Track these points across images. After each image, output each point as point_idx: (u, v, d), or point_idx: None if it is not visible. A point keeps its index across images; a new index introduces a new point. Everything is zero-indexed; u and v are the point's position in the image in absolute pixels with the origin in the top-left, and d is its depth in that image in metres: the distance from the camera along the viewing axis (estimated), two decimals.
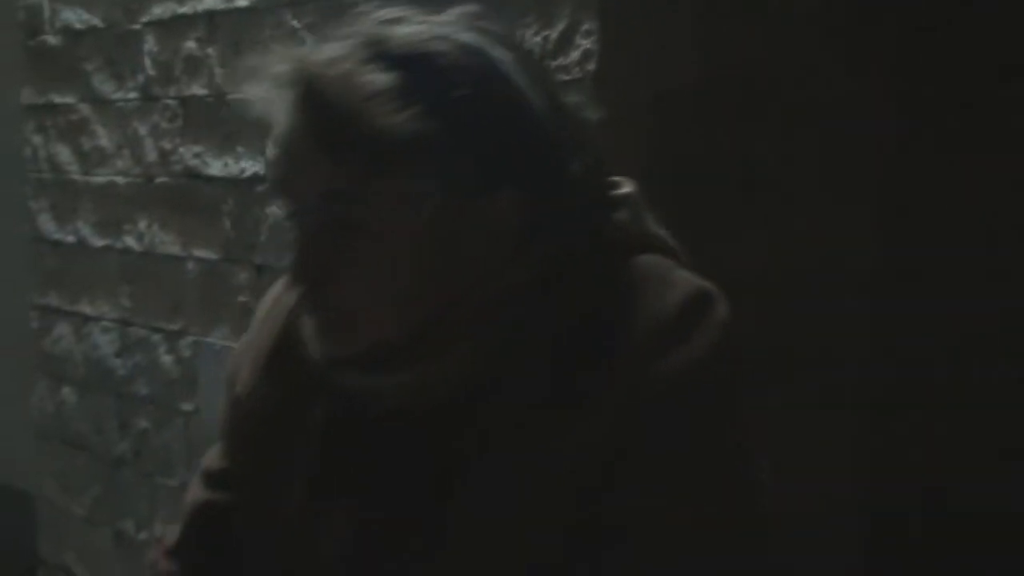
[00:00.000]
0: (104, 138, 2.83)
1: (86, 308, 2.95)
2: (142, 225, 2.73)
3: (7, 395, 3.72)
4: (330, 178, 1.01)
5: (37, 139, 3.12)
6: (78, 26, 2.90)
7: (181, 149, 2.60)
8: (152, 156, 2.69)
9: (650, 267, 1.07)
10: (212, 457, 1.33)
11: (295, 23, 2.28)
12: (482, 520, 1.03)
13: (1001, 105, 2.35)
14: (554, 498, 1.02)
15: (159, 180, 2.67)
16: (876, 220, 2.42)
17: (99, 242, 2.87)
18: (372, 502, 1.08)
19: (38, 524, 3.21)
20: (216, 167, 2.50)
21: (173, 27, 2.59)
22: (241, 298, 2.45)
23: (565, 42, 1.77)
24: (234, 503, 1.23)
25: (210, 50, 2.50)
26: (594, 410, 1.01)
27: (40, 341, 3.16)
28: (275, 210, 2.36)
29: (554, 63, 1.77)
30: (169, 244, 2.65)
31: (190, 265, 2.59)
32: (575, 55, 1.76)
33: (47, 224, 3.10)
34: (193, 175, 2.57)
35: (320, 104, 1.02)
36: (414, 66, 1.01)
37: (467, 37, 1.04)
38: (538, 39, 1.79)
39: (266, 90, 1.08)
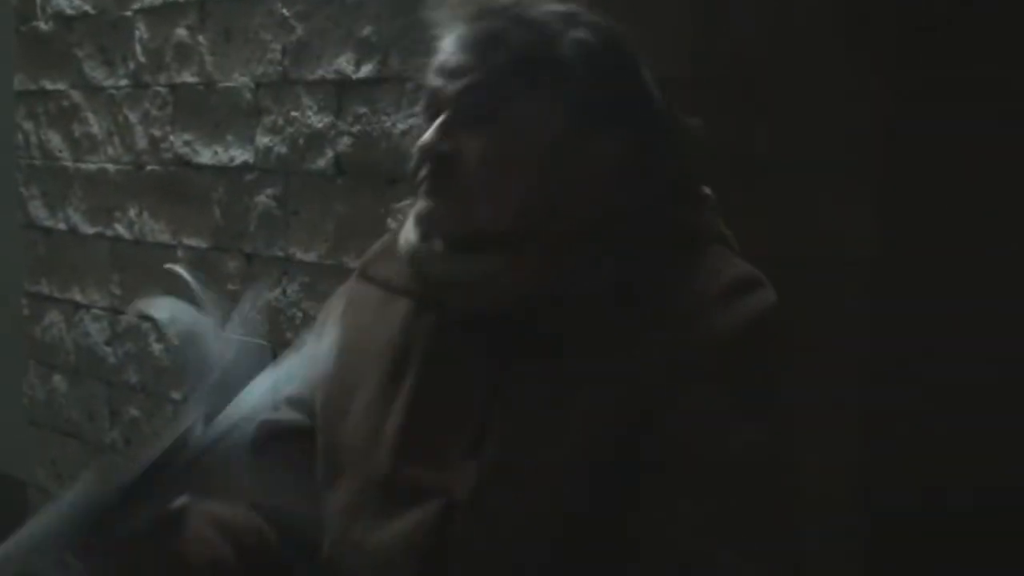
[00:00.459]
0: (95, 125, 2.83)
1: (77, 296, 2.94)
2: (132, 213, 2.73)
3: None
4: (486, 74, 1.17)
5: (28, 125, 3.11)
6: (70, 12, 2.89)
7: (171, 137, 2.59)
8: (142, 143, 2.68)
9: (716, 253, 1.22)
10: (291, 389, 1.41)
11: (285, 11, 2.27)
12: (520, 437, 1.15)
13: (1001, 96, 2.35)
14: (591, 429, 1.13)
15: (149, 168, 2.67)
16: (874, 211, 2.42)
17: (90, 229, 2.87)
18: (426, 395, 1.21)
19: (30, 511, 3.21)
20: (206, 155, 2.49)
21: (164, 14, 2.58)
22: (231, 286, 2.45)
23: None
24: (304, 424, 1.33)
25: (201, 38, 2.49)
26: (644, 353, 1.13)
27: (31, 328, 3.16)
28: (264, 199, 2.35)
29: None
30: (159, 232, 2.65)
31: (180, 253, 2.59)
32: None
33: (38, 211, 3.09)
34: (183, 163, 2.56)
35: (491, 23, 1.20)
36: (567, 20, 1.20)
37: (603, 19, 1.24)
38: None
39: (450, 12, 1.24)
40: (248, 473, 1.19)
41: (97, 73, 2.81)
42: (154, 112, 2.64)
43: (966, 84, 2.37)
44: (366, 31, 2.11)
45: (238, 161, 2.41)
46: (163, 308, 1.43)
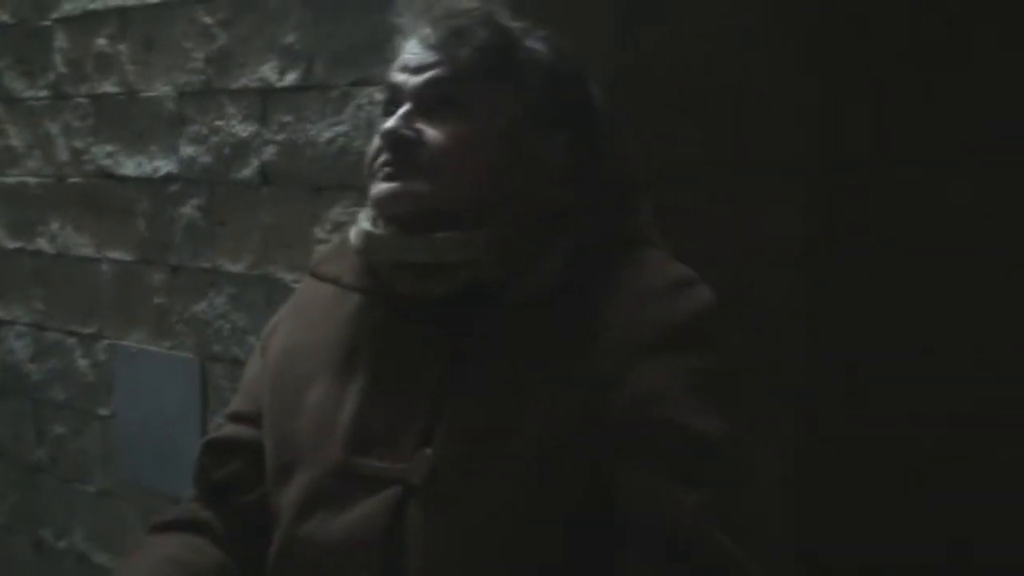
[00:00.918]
0: (15, 137, 2.77)
1: None
2: (55, 226, 2.67)
3: None
4: (449, 67, 1.26)
5: None
6: None
7: (93, 148, 2.55)
8: (64, 156, 2.63)
9: (655, 255, 1.28)
10: (231, 406, 1.48)
11: (207, 19, 2.24)
12: (473, 423, 1.19)
13: (930, 94, 2.38)
14: (542, 416, 1.17)
15: (71, 180, 2.62)
16: (800, 215, 2.44)
17: (11, 244, 2.80)
18: (378, 386, 1.26)
19: None
20: (129, 166, 2.45)
21: (84, 23, 2.54)
22: (157, 300, 2.41)
23: None
24: (252, 436, 1.38)
25: (122, 47, 2.45)
26: (593, 343, 1.19)
27: None
28: (189, 210, 2.32)
29: None
30: (82, 246, 2.60)
31: (104, 267, 2.54)
32: None
33: None
34: (106, 175, 2.51)
35: (455, 23, 1.29)
36: (525, 28, 1.32)
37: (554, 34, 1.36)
38: None
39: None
40: None
41: (16, 84, 2.75)
42: (75, 123, 2.59)
43: (898, 84, 2.40)
44: (290, 39, 2.09)
45: (162, 172, 2.37)
46: None
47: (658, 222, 1.36)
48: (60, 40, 2.61)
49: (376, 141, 1.29)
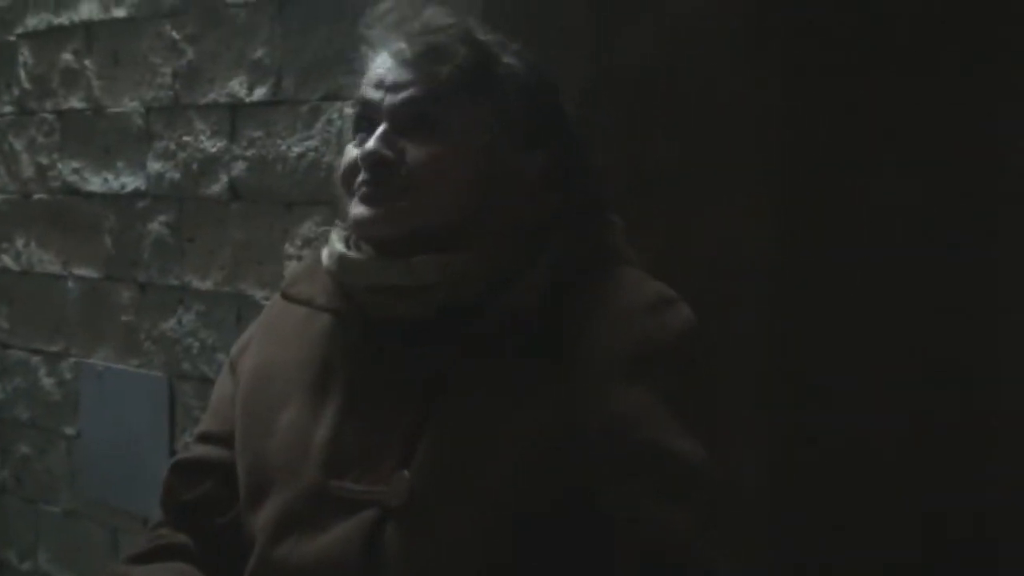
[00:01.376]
0: None
1: None
2: (20, 243, 2.64)
3: None
4: (429, 86, 1.24)
5: None
6: None
7: (59, 164, 2.52)
8: (29, 172, 2.60)
9: (631, 273, 1.28)
10: (201, 427, 1.45)
11: (174, 34, 2.22)
12: (453, 445, 1.18)
13: (898, 101, 2.39)
14: (523, 438, 1.15)
15: (37, 196, 2.59)
16: (774, 221, 2.44)
17: None
18: (354, 407, 1.24)
19: None
20: (96, 182, 2.43)
21: (49, 38, 2.51)
22: (124, 317, 2.38)
23: None
24: (222, 456, 1.35)
25: (88, 62, 2.43)
26: (575, 362, 1.17)
27: None
28: (157, 226, 2.30)
29: None
30: (48, 263, 2.57)
31: (70, 284, 2.51)
32: None
33: None
34: (72, 191, 2.49)
35: (432, 39, 1.26)
36: (501, 44, 1.30)
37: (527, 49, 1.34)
38: None
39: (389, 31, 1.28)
40: None
41: None
42: (41, 139, 2.57)
43: (867, 92, 2.41)
44: (258, 53, 2.07)
45: (129, 188, 2.35)
46: None
47: (631, 236, 1.35)
48: (25, 55, 2.58)
49: (348, 157, 1.27)
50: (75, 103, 2.47)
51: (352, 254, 1.26)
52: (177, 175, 2.24)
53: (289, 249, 2.04)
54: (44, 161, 2.56)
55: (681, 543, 1.13)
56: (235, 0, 2.10)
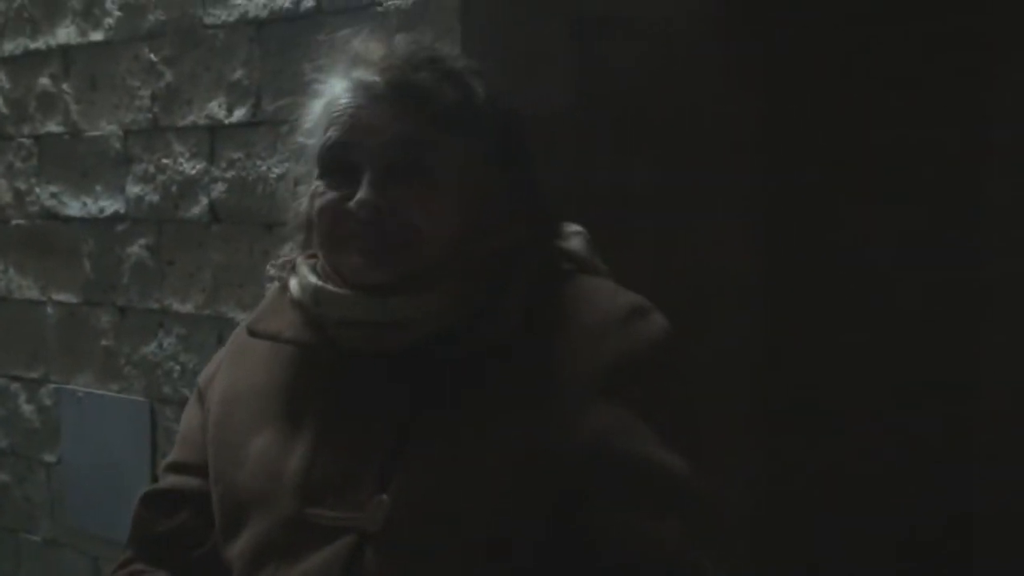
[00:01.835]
0: None
1: None
2: None
3: None
4: (415, 128, 1.20)
5: None
6: None
7: (37, 189, 2.50)
8: (7, 197, 2.58)
9: (602, 283, 1.26)
10: (171, 457, 1.43)
11: (152, 56, 2.21)
12: (430, 470, 1.16)
13: (879, 121, 2.40)
14: (501, 460, 1.14)
15: (15, 222, 2.57)
16: (756, 240, 2.44)
17: None
18: (329, 434, 1.22)
19: None
20: (74, 207, 2.41)
21: (26, 63, 2.50)
22: (104, 342, 2.36)
23: None
24: (196, 486, 1.34)
25: (65, 86, 2.42)
26: (551, 383, 1.16)
27: None
28: (137, 250, 2.28)
29: None
30: (27, 288, 2.55)
31: (49, 309, 2.49)
32: None
33: None
34: (50, 216, 2.47)
35: (407, 75, 1.23)
36: (473, 72, 1.27)
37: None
38: None
39: (350, 70, 1.25)
40: None
41: None
42: (18, 164, 2.55)
43: (848, 111, 2.42)
44: (237, 74, 2.06)
45: (108, 212, 2.33)
46: None
47: (613, 256, 1.35)
48: (1, 80, 2.57)
49: (326, 201, 1.22)
50: (53, 127, 2.45)
51: (330, 287, 1.23)
52: (156, 198, 2.23)
53: (270, 271, 2.03)
54: (22, 186, 2.54)
55: (669, 554, 1.12)
56: (213, 21, 2.10)
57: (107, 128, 2.33)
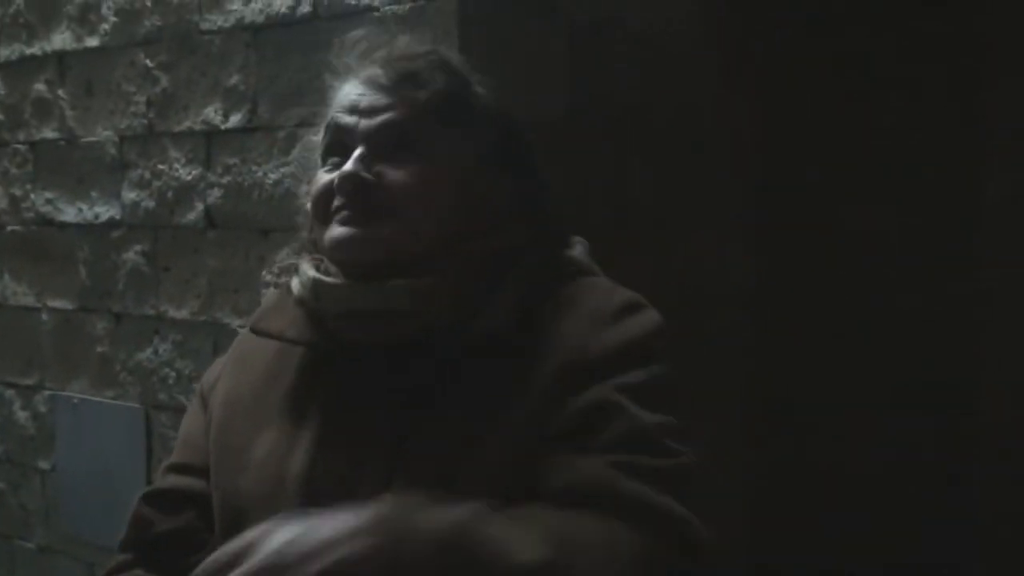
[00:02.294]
0: None
1: None
2: None
3: None
4: (406, 110, 1.24)
5: None
6: None
7: (32, 195, 2.50)
8: (2, 203, 2.57)
9: (598, 282, 1.29)
10: (171, 459, 1.43)
11: (148, 62, 2.21)
12: (430, 470, 1.16)
13: (876, 128, 2.40)
14: (500, 456, 1.15)
15: (10, 228, 2.56)
16: (752, 247, 2.44)
17: None
18: (330, 436, 1.23)
19: None
20: (70, 213, 2.40)
21: (21, 68, 2.49)
22: (99, 348, 2.35)
23: None
24: (199, 488, 1.34)
25: (61, 92, 2.41)
26: (545, 379, 1.17)
27: None
28: (132, 256, 2.27)
29: None
30: (22, 295, 2.54)
31: (44, 316, 2.48)
32: None
33: None
34: (46, 222, 2.46)
35: (407, 65, 1.26)
36: (471, 69, 1.32)
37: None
38: None
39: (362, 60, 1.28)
40: None
41: None
42: (13, 170, 2.54)
43: (844, 119, 2.42)
44: (233, 80, 2.06)
45: (104, 218, 2.32)
46: None
47: (611, 265, 1.36)
48: None
49: (321, 183, 1.26)
50: (48, 133, 2.45)
51: (326, 279, 1.25)
52: (152, 204, 2.22)
53: (266, 277, 2.02)
54: (17, 192, 2.53)
55: (599, 475, 1.12)
56: (209, 27, 2.09)
57: (103, 134, 2.32)
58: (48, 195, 2.46)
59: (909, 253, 2.41)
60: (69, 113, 2.40)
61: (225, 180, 2.09)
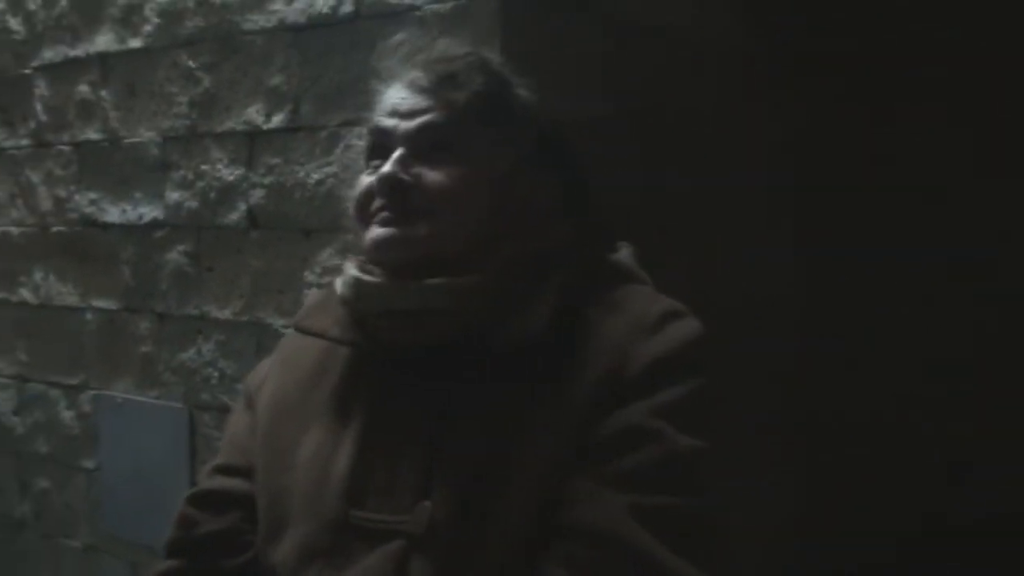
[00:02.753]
0: None
1: None
2: (38, 276, 2.63)
3: None
4: (445, 111, 1.24)
5: None
6: None
7: (76, 196, 2.51)
8: (47, 204, 2.59)
9: (640, 290, 1.28)
10: (218, 460, 1.43)
11: (191, 63, 2.21)
12: (470, 472, 1.16)
13: (914, 127, 2.38)
14: (538, 460, 1.14)
15: (55, 229, 2.58)
16: (791, 248, 2.42)
17: None
18: (373, 437, 1.23)
19: None
20: (113, 214, 2.42)
21: (65, 71, 2.51)
22: (143, 348, 2.36)
23: None
24: (246, 489, 1.34)
25: (104, 93, 2.42)
26: (585, 384, 1.16)
27: None
28: (175, 256, 2.28)
29: None
30: (67, 295, 2.56)
31: (88, 316, 2.50)
32: None
33: None
34: (90, 223, 2.48)
35: (447, 67, 1.27)
36: (512, 72, 1.31)
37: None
38: None
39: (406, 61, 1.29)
40: None
41: None
42: (58, 171, 2.56)
43: (882, 118, 2.39)
44: (275, 80, 2.06)
45: (147, 218, 2.34)
46: None
47: (641, 260, 1.35)
48: (41, 88, 2.58)
49: (362, 185, 1.27)
50: (92, 134, 2.46)
51: (367, 278, 1.26)
52: (195, 204, 2.23)
53: (308, 277, 2.02)
54: (61, 193, 2.55)
55: (615, 520, 1.11)
56: (251, 27, 2.10)
57: (146, 135, 2.33)
58: (92, 196, 2.47)
59: (946, 255, 2.38)
60: (112, 114, 2.41)
61: (267, 180, 2.09)
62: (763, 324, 2.31)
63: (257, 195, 2.11)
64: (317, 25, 1.99)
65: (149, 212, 2.33)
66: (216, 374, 2.21)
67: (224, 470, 1.39)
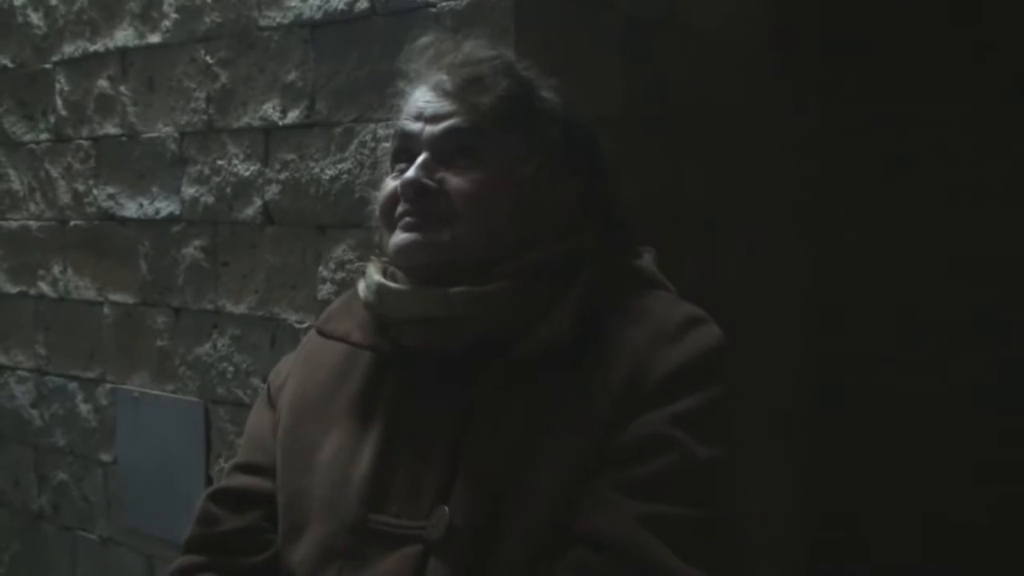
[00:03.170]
0: (16, 181, 2.75)
1: (0, 358, 2.85)
2: (56, 270, 2.65)
3: None
4: (470, 115, 1.23)
5: None
6: None
7: (95, 191, 2.53)
8: (65, 199, 2.61)
9: (663, 296, 1.27)
10: (239, 458, 1.43)
11: (208, 59, 2.22)
12: (490, 479, 1.16)
13: (934, 128, 2.36)
14: (559, 466, 1.13)
15: (73, 223, 2.59)
16: (806, 248, 2.41)
17: (12, 289, 2.78)
18: (393, 441, 1.23)
19: None
20: (131, 208, 2.43)
21: (85, 66, 2.52)
22: (159, 342, 2.38)
23: None
24: (267, 488, 1.34)
25: (123, 88, 2.44)
26: (607, 390, 1.16)
27: None
28: (192, 251, 2.29)
29: None
30: (84, 289, 2.57)
31: (106, 310, 2.51)
32: None
33: None
34: (108, 217, 2.49)
35: (472, 71, 1.26)
36: (537, 75, 1.30)
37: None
38: None
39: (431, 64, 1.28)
40: None
41: (17, 128, 2.74)
42: (76, 166, 2.57)
43: (900, 119, 2.38)
44: (291, 76, 2.07)
45: (164, 213, 2.35)
46: None
47: (662, 264, 1.35)
48: (61, 83, 2.59)
49: (387, 189, 1.26)
50: (110, 129, 2.48)
51: (391, 284, 1.25)
52: (211, 199, 2.24)
53: (323, 272, 2.03)
54: (80, 187, 2.57)
55: (626, 530, 1.11)
56: (268, 24, 2.10)
57: (163, 130, 2.34)
58: (110, 190, 2.49)
59: (963, 258, 2.37)
60: (131, 109, 2.42)
61: (283, 176, 2.10)
62: (776, 324, 2.31)
63: (272, 191, 2.12)
64: (333, 21, 1.99)
65: (166, 207, 2.34)
66: (231, 369, 2.22)
67: (245, 468, 1.39)
